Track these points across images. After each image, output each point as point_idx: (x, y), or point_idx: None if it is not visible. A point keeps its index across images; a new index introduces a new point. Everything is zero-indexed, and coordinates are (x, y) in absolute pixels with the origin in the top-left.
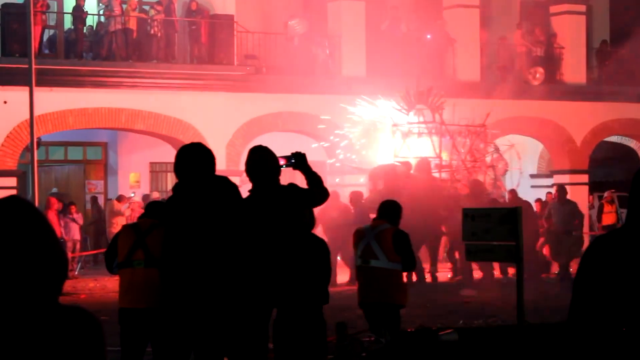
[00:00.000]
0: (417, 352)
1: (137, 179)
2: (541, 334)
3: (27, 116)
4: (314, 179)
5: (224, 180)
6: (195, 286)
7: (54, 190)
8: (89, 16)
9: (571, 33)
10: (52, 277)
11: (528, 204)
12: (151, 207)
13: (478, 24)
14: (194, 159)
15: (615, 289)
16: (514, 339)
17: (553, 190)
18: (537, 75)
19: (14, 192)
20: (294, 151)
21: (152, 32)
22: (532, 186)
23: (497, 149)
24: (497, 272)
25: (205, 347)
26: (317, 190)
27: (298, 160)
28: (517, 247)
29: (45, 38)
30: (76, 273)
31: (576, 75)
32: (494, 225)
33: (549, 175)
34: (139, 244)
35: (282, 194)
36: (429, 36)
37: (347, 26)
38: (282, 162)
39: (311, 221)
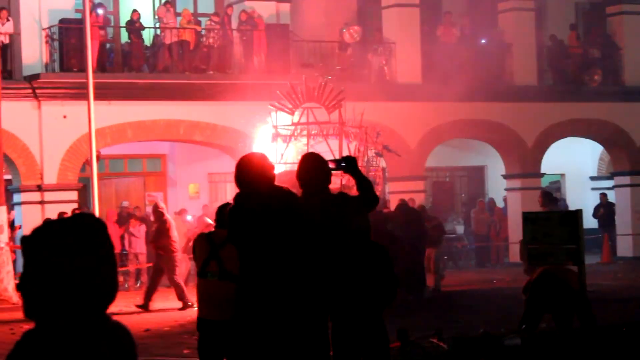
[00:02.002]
0: (481, 357)
1: (196, 190)
2: (604, 336)
3: (87, 130)
4: (364, 184)
5: (284, 190)
6: (271, 298)
7: (125, 203)
8: (145, 30)
9: (629, 33)
10: (107, 294)
11: (417, 211)
12: (221, 214)
13: (533, 26)
14: (253, 168)
15: None
16: (577, 343)
17: (614, 191)
18: (595, 77)
19: (74, 205)
20: (344, 155)
21: (207, 43)
22: (592, 188)
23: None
24: None
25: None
26: (367, 196)
27: (348, 164)
28: (578, 250)
29: (102, 52)
30: (137, 285)
31: (635, 76)
32: (553, 229)
33: (609, 177)
34: (213, 256)
35: (332, 202)
36: (483, 40)
37: (402, 32)
38: (332, 165)
39: (367, 228)
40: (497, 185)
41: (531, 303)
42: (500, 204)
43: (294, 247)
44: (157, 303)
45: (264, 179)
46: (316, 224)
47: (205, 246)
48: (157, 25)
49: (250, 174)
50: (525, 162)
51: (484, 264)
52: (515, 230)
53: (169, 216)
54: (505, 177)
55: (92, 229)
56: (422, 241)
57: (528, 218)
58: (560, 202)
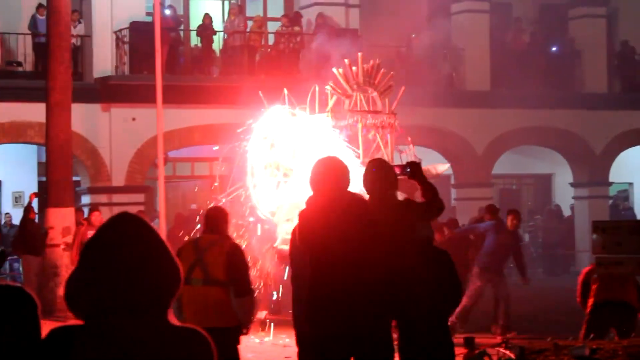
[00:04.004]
0: None
1: None
2: None
3: (155, 133)
4: (429, 191)
5: (357, 196)
6: (336, 303)
7: (193, 206)
8: (216, 34)
9: None
10: (157, 293)
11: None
12: (210, 220)
13: (604, 34)
14: (328, 172)
15: None
16: None
17: None
18: None
19: (141, 207)
20: (409, 160)
21: (278, 48)
22: None
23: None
24: None
25: None
26: (433, 203)
27: (413, 170)
28: None
29: (172, 55)
30: None
31: None
32: (624, 238)
33: None
34: (197, 262)
35: (398, 208)
36: (553, 47)
37: (472, 39)
38: (397, 170)
39: (430, 234)
40: (565, 194)
41: (591, 328)
42: (567, 212)
43: (359, 251)
44: None
45: (335, 183)
46: (382, 230)
47: (190, 251)
48: (226, 30)
49: (319, 178)
50: (593, 170)
51: (552, 272)
52: (582, 239)
53: None
54: (573, 185)
55: (130, 227)
56: None
57: (598, 227)
58: (628, 211)
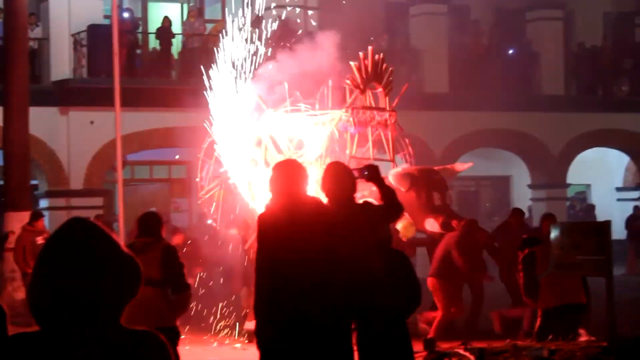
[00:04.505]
0: None
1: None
2: (633, 350)
3: (113, 136)
4: (387, 194)
5: (315, 199)
6: (294, 306)
7: (152, 209)
8: (174, 37)
9: None
10: (113, 298)
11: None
12: (144, 224)
13: (561, 36)
14: (286, 175)
15: None
16: (605, 355)
17: None
18: (623, 88)
19: (100, 211)
20: (367, 163)
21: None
22: (618, 199)
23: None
24: None
25: None
26: (392, 205)
27: (371, 173)
28: (606, 261)
29: (130, 58)
30: None
31: None
32: (581, 240)
33: (636, 188)
34: None
35: (358, 211)
36: (511, 50)
37: (430, 41)
38: (355, 173)
39: (389, 236)
40: (523, 196)
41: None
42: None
43: (317, 254)
44: None
45: (293, 187)
46: (341, 232)
47: None
48: (185, 32)
49: (277, 181)
50: (551, 172)
51: None
52: None
53: None
54: (530, 187)
55: (86, 235)
56: None
57: (555, 228)
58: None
